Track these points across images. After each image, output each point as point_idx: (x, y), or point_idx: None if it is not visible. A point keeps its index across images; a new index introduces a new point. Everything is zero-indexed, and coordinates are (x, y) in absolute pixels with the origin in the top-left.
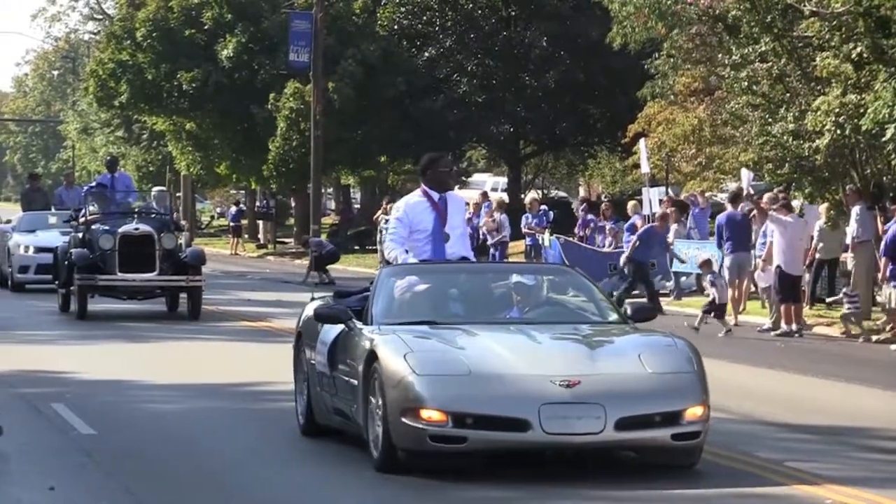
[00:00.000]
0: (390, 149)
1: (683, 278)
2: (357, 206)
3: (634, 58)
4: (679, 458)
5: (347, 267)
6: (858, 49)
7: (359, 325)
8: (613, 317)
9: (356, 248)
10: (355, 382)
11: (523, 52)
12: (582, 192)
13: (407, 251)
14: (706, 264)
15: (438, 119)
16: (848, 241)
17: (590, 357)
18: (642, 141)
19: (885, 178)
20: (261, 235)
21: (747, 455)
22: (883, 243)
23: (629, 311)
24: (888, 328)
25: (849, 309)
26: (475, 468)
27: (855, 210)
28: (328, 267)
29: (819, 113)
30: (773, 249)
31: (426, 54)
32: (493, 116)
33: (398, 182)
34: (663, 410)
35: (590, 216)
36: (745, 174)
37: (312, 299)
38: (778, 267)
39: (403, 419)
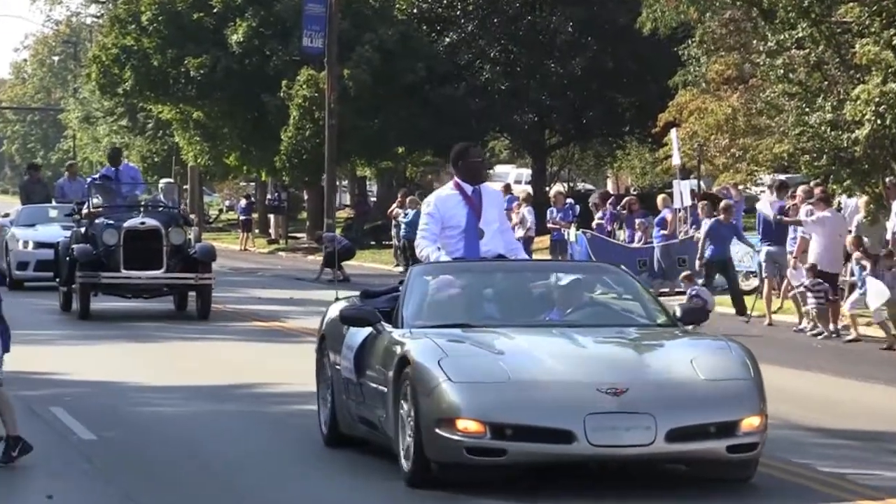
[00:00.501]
0: (408, 139)
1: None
2: (373, 199)
3: (665, 44)
4: (734, 471)
5: (363, 263)
6: None
7: (388, 327)
8: (662, 319)
9: (372, 243)
10: (384, 390)
11: (548, 38)
12: (610, 184)
13: (439, 248)
14: (687, 279)
15: (459, 107)
16: (888, 236)
17: (638, 363)
18: (673, 131)
19: None
20: (272, 230)
21: (797, 465)
22: None
23: (678, 313)
24: None
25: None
26: (515, 483)
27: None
28: (343, 263)
29: (858, 102)
30: (808, 246)
31: (447, 39)
32: (516, 105)
33: (416, 174)
34: (718, 420)
35: (607, 210)
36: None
37: (337, 299)
38: (814, 265)
39: (437, 430)
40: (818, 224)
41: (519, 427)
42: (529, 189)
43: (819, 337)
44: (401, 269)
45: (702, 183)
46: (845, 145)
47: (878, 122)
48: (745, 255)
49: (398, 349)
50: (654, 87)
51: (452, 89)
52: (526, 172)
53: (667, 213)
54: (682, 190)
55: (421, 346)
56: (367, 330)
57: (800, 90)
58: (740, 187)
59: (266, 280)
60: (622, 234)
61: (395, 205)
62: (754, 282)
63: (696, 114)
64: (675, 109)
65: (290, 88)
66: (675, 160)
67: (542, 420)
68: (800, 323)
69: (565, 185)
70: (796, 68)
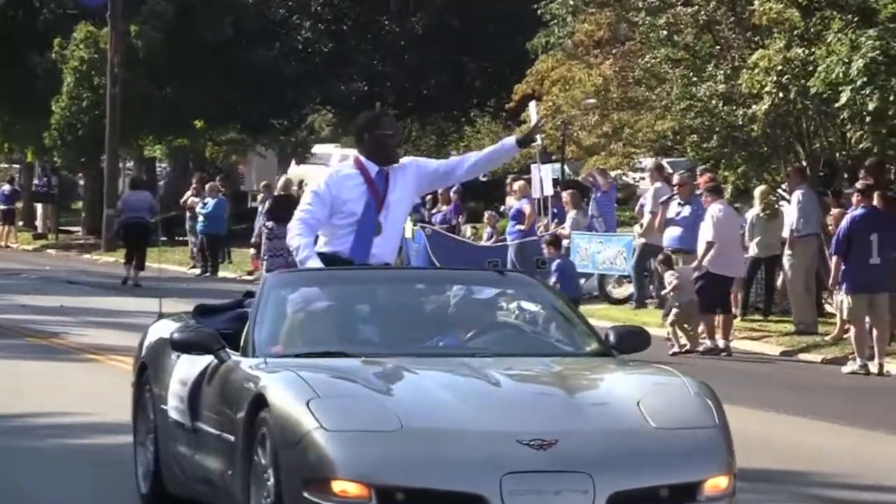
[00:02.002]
0: (210, 111)
1: (583, 280)
2: (165, 182)
3: None
4: None
5: (150, 263)
6: None
7: (235, 356)
8: (593, 345)
9: (163, 239)
10: (231, 438)
11: None
12: None
13: (315, 244)
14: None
15: (272, 73)
16: (785, 233)
17: (569, 406)
18: (532, 104)
19: (837, 155)
20: (39, 222)
21: None
22: (835, 238)
23: (612, 338)
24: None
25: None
26: None
27: (797, 194)
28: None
29: (756, 71)
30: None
31: None
32: (342, 71)
33: (219, 154)
34: (674, 482)
35: (452, 200)
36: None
37: (160, 317)
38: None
39: (306, 493)
40: (710, 220)
41: (414, 491)
42: None
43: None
44: (197, 271)
45: (566, 168)
46: (740, 123)
47: (780, 95)
48: (618, 255)
49: (251, 386)
50: (509, 52)
51: (264, 51)
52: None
53: (524, 205)
54: (543, 176)
55: (282, 381)
56: (207, 359)
57: (686, 56)
58: (614, 173)
59: (33, 283)
60: (469, 230)
61: (189, 192)
62: (628, 288)
63: (559, 84)
64: (534, 78)
65: (64, 48)
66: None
67: (446, 482)
68: (691, 343)
69: None
70: (682, 29)
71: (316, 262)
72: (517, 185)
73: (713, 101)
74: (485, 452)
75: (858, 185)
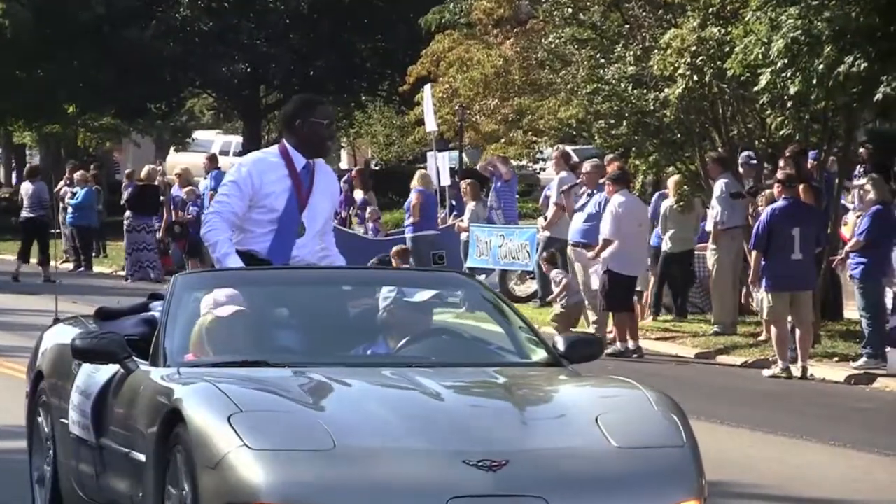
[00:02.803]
0: (82, 95)
1: (483, 277)
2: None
3: None
4: None
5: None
6: None
7: (144, 365)
8: (540, 354)
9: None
10: (141, 458)
11: None
12: (344, 157)
13: (231, 240)
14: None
15: (148, 54)
16: (709, 227)
17: (520, 422)
18: (427, 88)
19: (756, 142)
20: None
21: None
22: (754, 232)
23: (560, 346)
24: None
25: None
26: None
27: (720, 184)
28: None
29: (669, 52)
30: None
31: None
32: (223, 51)
33: (93, 141)
34: None
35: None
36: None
37: (56, 321)
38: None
39: None
40: (611, 213)
41: None
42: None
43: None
44: (70, 266)
45: (465, 156)
46: (651, 108)
47: (695, 77)
48: (521, 250)
49: (163, 399)
50: (403, 30)
51: (140, 30)
52: (235, 140)
53: (413, 195)
54: (440, 165)
55: (199, 394)
56: (112, 368)
57: (593, 36)
58: (515, 162)
59: None
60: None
61: (62, 182)
62: (532, 285)
63: (457, 65)
64: (429, 59)
65: None
66: (430, 126)
67: None
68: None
69: None
70: (589, 7)
71: (236, 261)
72: (417, 174)
73: (622, 85)
74: (428, 474)
75: (779, 175)
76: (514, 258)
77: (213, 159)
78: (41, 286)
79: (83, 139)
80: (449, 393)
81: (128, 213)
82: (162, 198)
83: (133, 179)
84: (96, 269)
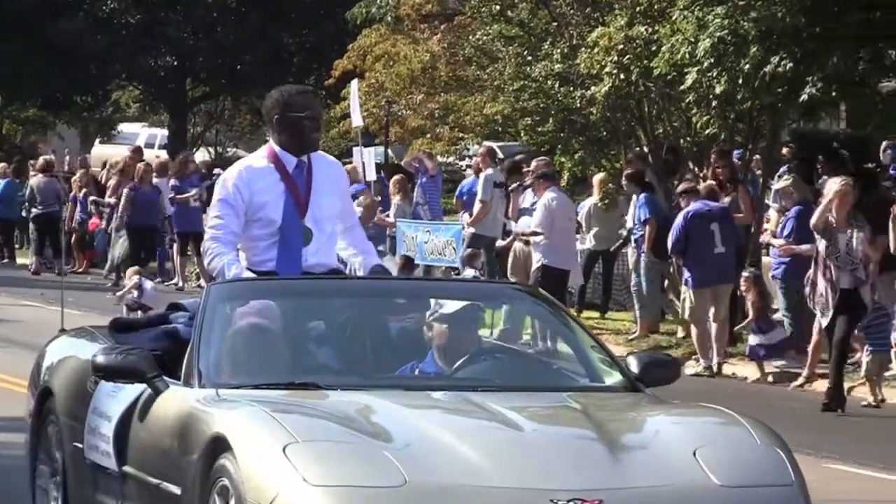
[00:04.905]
0: (7, 86)
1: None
2: None
3: None
4: None
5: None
6: None
7: (175, 385)
8: (615, 377)
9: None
10: (176, 491)
11: None
12: None
13: (238, 258)
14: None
15: (76, 46)
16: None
17: (611, 456)
18: (354, 83)
19: (682, 141)
20: None
21: None
22: (671, 237)
23: (635, 367)
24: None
25: None
26: None
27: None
28: None
29: (596, 50)
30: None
31: None
32: (150, 44)
33: (18, 134)
34: None
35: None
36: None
37: (62, 331)
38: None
39: None
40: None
41: None
42: (165, 155)
43: None
44: None
45: (391, 151)
46: (578, 105)
47: (621, 76)
48: (447, 246)
49: (205, 425)
50: (329, 24)
51: (66, 22)
52: (161, 133)
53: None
54: (366, 160)
55: (248, 420)
56: (137, 388)
57: (521, 33)
58: (441, 158)
59: None
60: None
61: None
62: None
63: (383, 60)
64: (356, 54)
65: None
66: (356, 121)
67: None
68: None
69: (212, 150)
70: (517, 4)
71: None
72: (349, 167)
73: (549, 82)
74: None
75: (681, 187)
76: (440, 254)
77: (137, 152)
78: None
79: (8, 129)
80: (526, 421)
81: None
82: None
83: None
84: (20, 260)
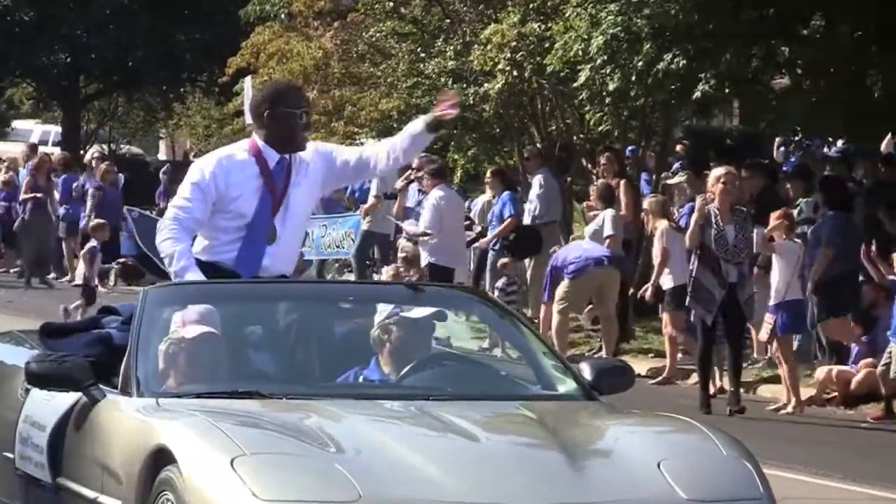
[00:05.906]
0: None
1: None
2: None
3: None
4: None
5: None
6: None
7: (112, 394)
8: (569, 385)
9: None
10: None
11: None
12: (163, 147)
13: (190, 251)
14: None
15: None
16: (527, 220)
17: (571, 468)
18: (248, 80)
19: (574, 138)
20: None
21: None
22: (550, 265)
23: (587, 375)
24: None
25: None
26: None
27: (538, 178)
28: None
29: (490, 47)
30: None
31: None
32: (44, 41)
33: None
34: None
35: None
36: None
37: None
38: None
39: None
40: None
41: None
42: (58, 151)
43: None
44: None
45: None
46: (471, 102)
47: (515, 73)
48: (345, 238)
49: (146, 437)
50: (223, 22)
51: None
52: (55, 130)
53: None
54: None
55: (192, 431)
56: (73, 396)
57: (414, 30)
58: None
59: None
60: None
61: None
62: (349, 278)
63: (277, 57)
64: (249, 51)
65: None
66: (249, 118)
67: None
68: None
69: (104, 147)
70: (410, 1)
71: (196, 275)
72: None
73: (442, 79)
74: None
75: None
76: (338, 247)
77: (32, 149)
78: None
79: None
80: (482, 432)
81: None
82: None
83: None
84: None
